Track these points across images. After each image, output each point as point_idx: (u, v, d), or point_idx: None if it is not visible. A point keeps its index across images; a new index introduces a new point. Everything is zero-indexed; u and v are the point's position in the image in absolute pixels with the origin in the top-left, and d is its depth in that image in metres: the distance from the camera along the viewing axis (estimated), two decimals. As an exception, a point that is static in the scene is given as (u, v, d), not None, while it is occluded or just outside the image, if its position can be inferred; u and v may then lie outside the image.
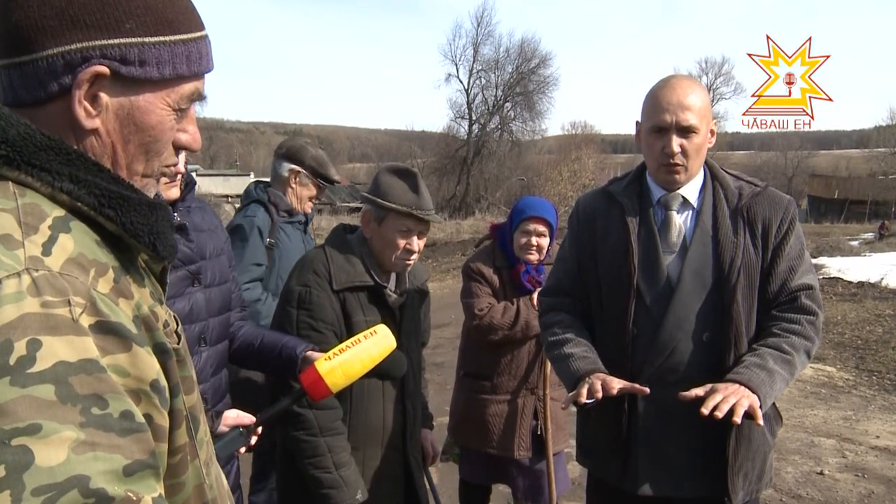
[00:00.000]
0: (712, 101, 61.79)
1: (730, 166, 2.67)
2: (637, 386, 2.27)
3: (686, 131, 2.34)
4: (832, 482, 5.42)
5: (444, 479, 4.80)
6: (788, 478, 5.47)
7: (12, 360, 0.78)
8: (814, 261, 18.97)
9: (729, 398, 2.11)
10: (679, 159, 2.37)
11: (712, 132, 2.45)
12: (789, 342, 2.31)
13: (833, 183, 60.70)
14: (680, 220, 2.45)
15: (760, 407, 2.15)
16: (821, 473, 5.57)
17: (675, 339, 2.38)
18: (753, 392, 2.16)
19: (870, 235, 30.10)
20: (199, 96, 1.08)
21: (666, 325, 2.38)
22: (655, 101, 2.39)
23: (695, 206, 2.46)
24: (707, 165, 2.51)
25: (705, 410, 2.09)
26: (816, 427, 6.66)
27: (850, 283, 15.21)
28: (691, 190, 2.46)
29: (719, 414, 2.08)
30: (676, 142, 2.35)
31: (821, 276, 15.81)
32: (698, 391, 2.18)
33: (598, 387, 2.25)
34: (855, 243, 23.80)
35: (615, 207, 2.53)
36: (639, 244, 2.44)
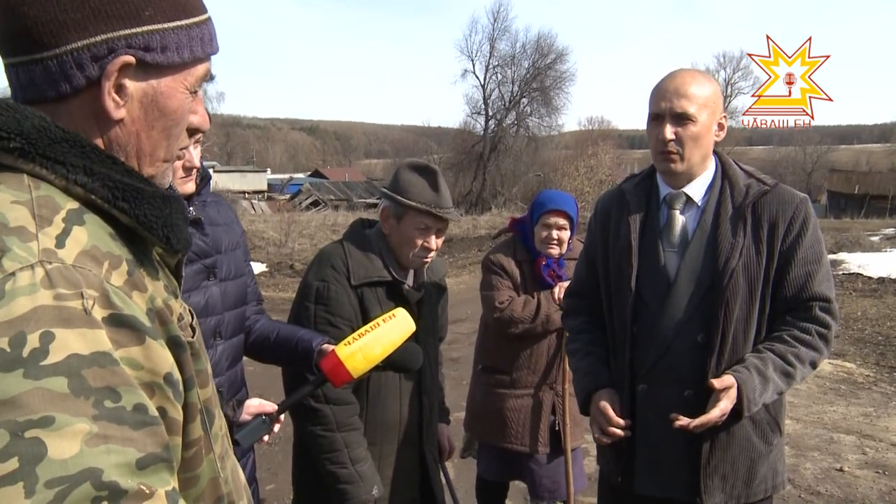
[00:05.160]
0: (730, 95, 61.75)
1: (747, 161, 2.63)
2: (620, 426, 2.41)
3: (680, 118, 2.32)
4: (852, 479, 5.38)
5: (460, 474, 4.79)
6: (807, 474, 5.42)
7: (25, 353, 0.78)
8: (833, 256, 18.79)
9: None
10: (672, 147, 2.34)
11: (721, 126, 2.41)
12: (796, 353, 2.29)
13: (853, 178, 60.07)
14: (683, 219, 2.43)
15: (741, 412, 2.25)
16: (840, 470, 5.52)
17: (670, 339, 2.37)
18: (740, 396, 2.23)
19: (891, 231, 29.77)
20: (210, 77, 1.10)
21: (662, 324, 2.39)
22: (655, 91, 2.39)
23: (699, 204, 2.42)
24: (721, 162, 2.47)
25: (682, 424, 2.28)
26: (836, 423, 6.60)
27: (870, 278, 15.05)
28: (697, 188, 2.43)
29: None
30: (670, 129, 2.32)
31: (841, 272, 15.69)
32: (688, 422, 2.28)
33: (598, 436, 2.47)
34: (875, 238, 23.48)
35: (625, 205, 2.53)
36: (640, 242, 2.44)
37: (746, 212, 2.34)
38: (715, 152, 2.47)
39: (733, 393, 2.22)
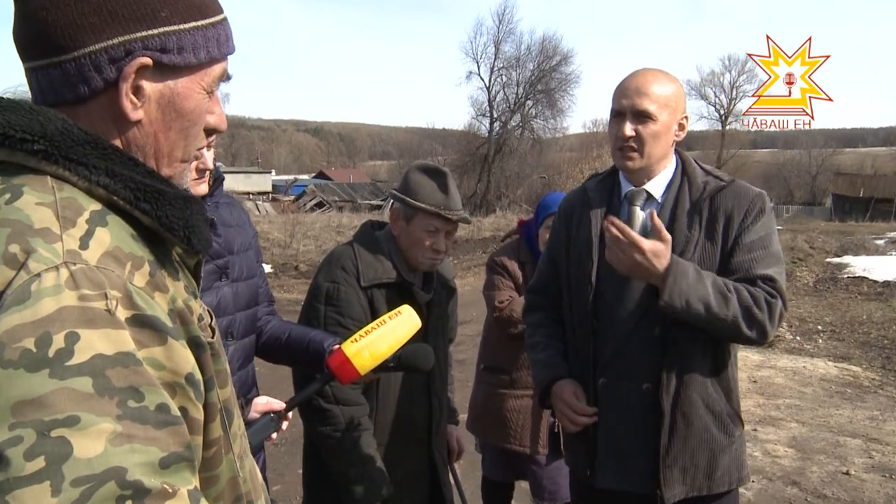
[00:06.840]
0: (735, 98, 61.62)
1: (752, 165, 2.66)
2: (588, 413, 2.44)
3: (640, 116, 2.35)
4: (858, 482, 5.37)
5: (466, 475, 4.80)
6: (813, 477, 5.41)
7: (51, 353, 0.78)
8: (838, 259, 18.61)
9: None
10: (632, 143, 2.37)
11: (681, 126, 2.44)
12: (735, 287, 2.25)
13: (858, 181, 60.02)
14: (643, 215, 2.45)
15: (665, 295, 2.19)
16: (847, 473, 5.51)
17: (628, 333, 2.39)
18: (662, 269, 2.20)
19: (896, 234, 29.69)
20: (226, 77, 1.11)
21: (620, 318, 2.41)
22: (617, 89, 2.42)
23: (659, 200, 2.45)
24: (681, 160, 2.50)
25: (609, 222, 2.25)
26: (842, 427, 6.59)
27: (875, 282, 15.03)
28: (657, 185, 2.46)
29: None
30: (629, 126, 2.35)
31: (846, 275, 15.69)
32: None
33: (567, 424, 2.48)
34: (881, 242, 23.44)
35: (587, 202, 2.57)
36: (600, 238, 2.44)
37: (703, 206, 2.37)
38: (676, 151, 2.50)
39: (665, 250, 2.21)
